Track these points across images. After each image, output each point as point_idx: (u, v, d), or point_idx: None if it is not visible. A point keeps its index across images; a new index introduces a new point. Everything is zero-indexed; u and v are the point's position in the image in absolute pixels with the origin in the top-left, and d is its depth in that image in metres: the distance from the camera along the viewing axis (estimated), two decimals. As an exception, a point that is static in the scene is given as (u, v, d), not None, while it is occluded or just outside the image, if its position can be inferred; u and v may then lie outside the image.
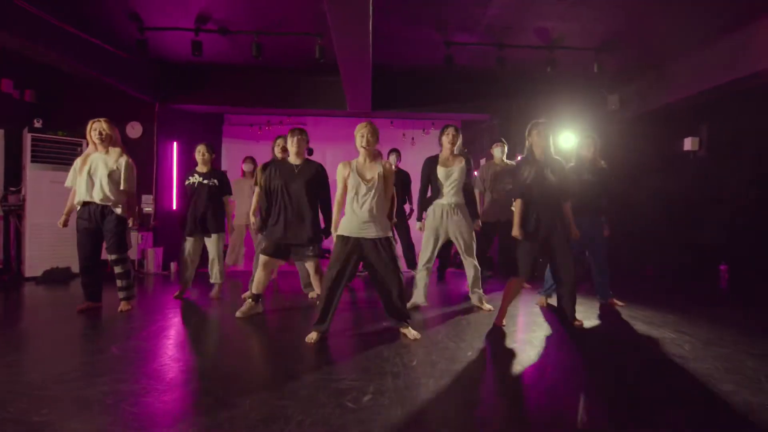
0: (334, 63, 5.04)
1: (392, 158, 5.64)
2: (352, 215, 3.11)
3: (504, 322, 3.53)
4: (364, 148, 3.15)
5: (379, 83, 6.09)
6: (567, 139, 6.07)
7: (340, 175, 3.18)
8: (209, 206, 4.41)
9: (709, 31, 4.89)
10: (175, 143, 6.75)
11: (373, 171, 3.15)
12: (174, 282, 5.70)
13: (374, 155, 3.24)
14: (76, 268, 5.29)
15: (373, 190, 3.11)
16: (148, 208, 6.47)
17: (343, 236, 3.13)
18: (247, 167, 5.89)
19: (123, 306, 3.93)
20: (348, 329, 3.53)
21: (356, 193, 3.11)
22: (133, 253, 6.02)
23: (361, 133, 3.16)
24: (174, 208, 6.74)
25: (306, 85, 6.59)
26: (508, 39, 5.17)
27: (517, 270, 3.46)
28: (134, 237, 6.06)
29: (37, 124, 5.59)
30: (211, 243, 4.48)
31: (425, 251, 4.05)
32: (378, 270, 3.14)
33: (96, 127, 3.81)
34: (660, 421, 2.04)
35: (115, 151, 3.85)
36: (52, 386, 2.27)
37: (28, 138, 5.48)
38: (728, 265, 6.67)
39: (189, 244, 4.43)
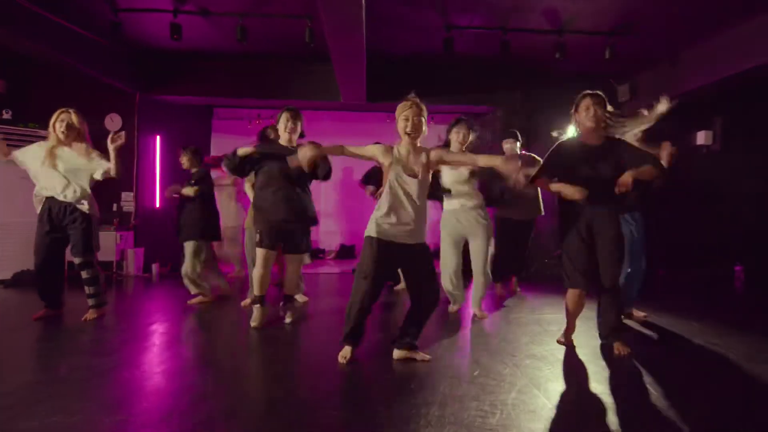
0: (325, 50, 4.65)
1: None
2: (394, 216, 2.52)
3: (562, 339, 3.01)
4: (409, 135, 2.54)
5: (374, 73, 5.67)
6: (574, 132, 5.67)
7: (373, 150, 2.60)
8: (181, 212, 4.21)
9: (726, 15, 4.54)
10: (158, 137, 6.34)
11: (419, 164, 2.56)
12: (156, 284, 5.39)
13: (417, 144, 2.63)
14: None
15: (420, 188, 2.55)
16: (128, 207, 6.08)
17: (381, 240, 2.51)
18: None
19: (89, 314, 3.56)
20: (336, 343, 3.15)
21: (399, 191, 2.53)
22: (111, 254, 5.66)
23: (404, 115, 2.54)
24: (157, 206, 6.34)
25: (295, 75, 6.17)
26: (514, 22, 4.78)
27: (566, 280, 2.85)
28: (113, 237, 5.69)
29: (6, 116, 5.26)
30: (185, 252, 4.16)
31: None
32: (416, 278, 2.64)
33: (64, 118, 3.44)
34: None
35: (80, 147, 3.48)
36: (-25, 419, 1.89)
37: (-5, 130, 5.10)
38: (743, 265, 6.33)
39: None
